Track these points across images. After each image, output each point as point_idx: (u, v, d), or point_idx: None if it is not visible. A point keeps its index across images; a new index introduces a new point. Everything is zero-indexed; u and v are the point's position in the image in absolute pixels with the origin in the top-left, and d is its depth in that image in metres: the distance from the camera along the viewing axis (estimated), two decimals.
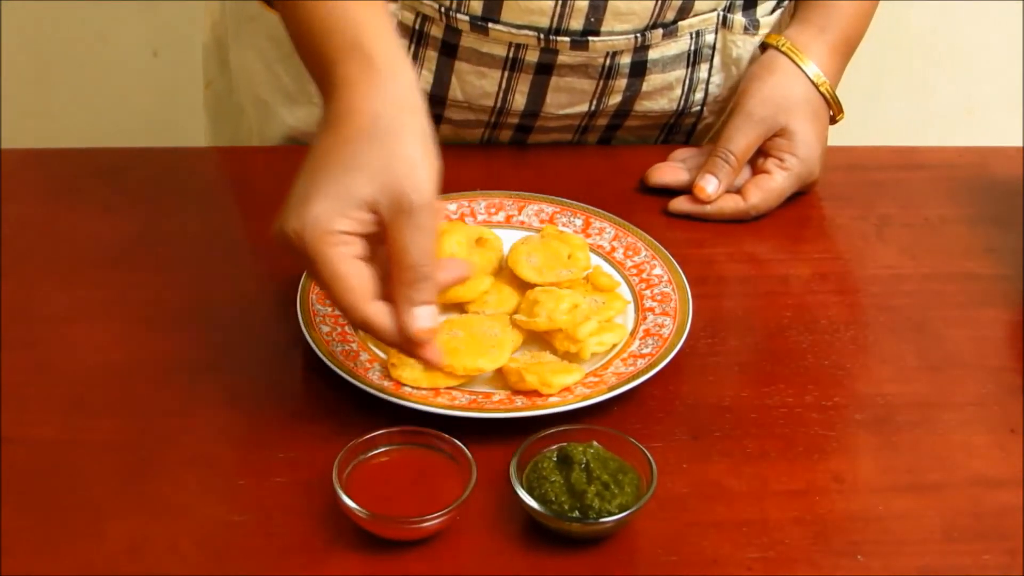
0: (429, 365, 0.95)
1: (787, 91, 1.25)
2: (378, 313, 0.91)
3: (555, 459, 0.91)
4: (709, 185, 1.23)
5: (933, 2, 2.27)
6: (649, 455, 0.91)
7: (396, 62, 0.94)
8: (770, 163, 1.24)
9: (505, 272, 1.12)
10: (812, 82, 1.24)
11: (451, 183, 1.21)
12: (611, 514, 0.88)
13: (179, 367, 1.03)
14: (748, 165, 1.25)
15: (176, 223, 1.20)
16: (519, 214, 1.19)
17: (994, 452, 0.99)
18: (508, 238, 1.15)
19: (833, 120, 1.27)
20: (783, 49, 1.26)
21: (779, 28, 1.31)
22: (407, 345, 0.93)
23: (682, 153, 1.30)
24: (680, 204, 1.24)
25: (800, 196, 1.27)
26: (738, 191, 1.24)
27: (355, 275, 0.91)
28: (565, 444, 0.92)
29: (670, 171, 1.27)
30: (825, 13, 1.27)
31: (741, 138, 1.23)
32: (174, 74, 2.14)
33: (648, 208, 1.24)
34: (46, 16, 2.24)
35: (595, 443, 0.92)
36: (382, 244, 0.92)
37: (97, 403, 1.00)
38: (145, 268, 1.13)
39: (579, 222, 1.18)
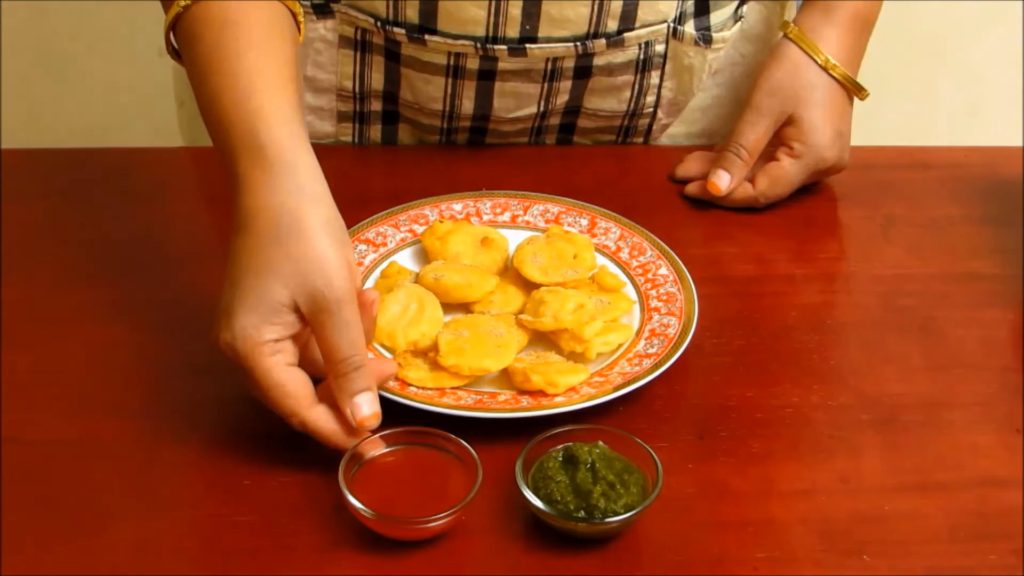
0: None
1: (794, 80, 1.24)
2: (319, 418, 0.92)
3: (561, 459, 0.91)
4: (721, 181, 1.23)
5: (940, 2, 2.27)
6: (655, 455, 0.91)
7: (292, 151, 0.94)
8: (780, 151, 1.24)
9: (510, 272, 1.12)
10: (822, 67, 1.24)
11: (456, 183, 1.22)
12: (617, 514, 0.88)
13: (183, 367, 1.03)
14: (763, 158, 1.25)
15: (179, 222, 1.20)
16: (524, 214, 1.19)
17: (1000, 452, 0.99)
18: (514, 238, 1.15)
19: (860, 98, 1.27)
20: (791, 36, 1.25)
21: (788, 11, 1.31)
22: (347, 442, 0.93)
23: (696, 155, 1.30)
24: (694, 188, 1.26)
25: (807, 196, 1.26)
26: (750, 180, 1.24)
27: (292, 382, 0.92)
28: (571, 444, 0.92)
29: (696, 163, 1.29)
30: None
31: (750, 131, 1.24)
32: (179, 74, 2.14)
33: (653, 208, 1.24)
34: (50, 15, 2.24)
35: (601, 443, 0.92)
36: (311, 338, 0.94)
37: (102, 403, 1.00)
38: (149, 268, 1.13)
39: (584, 222, 1.18)
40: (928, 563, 0.90)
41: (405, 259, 1.14)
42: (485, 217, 1.19)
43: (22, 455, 0.95)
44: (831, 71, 1.24)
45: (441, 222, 1.15)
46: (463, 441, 0.92)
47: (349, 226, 1.12)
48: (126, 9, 2.23)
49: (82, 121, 2.32)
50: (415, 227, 1.16)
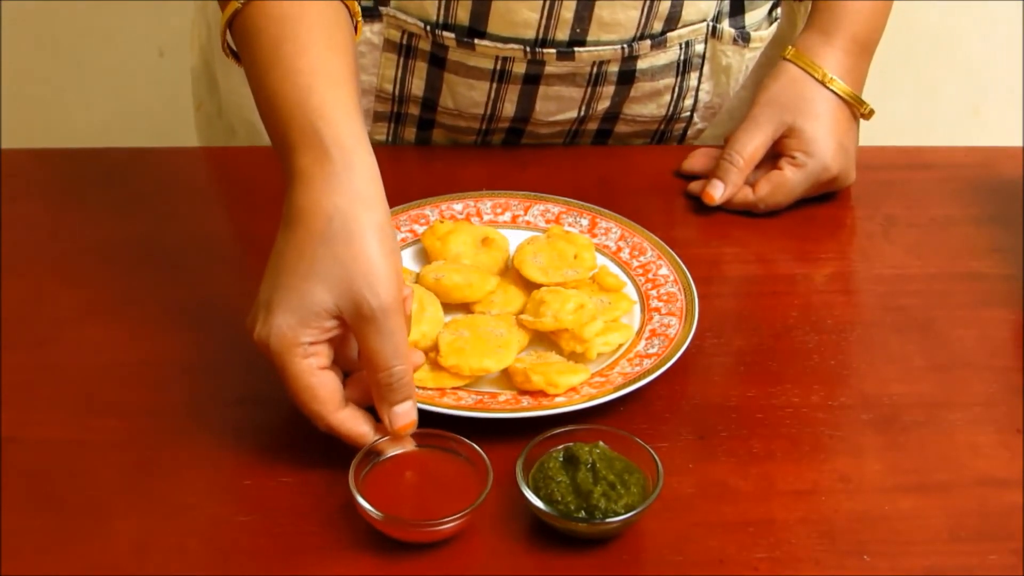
0: None
1: (791, 92, 1.25)
2: (345, 421, 0.92)
3: (561, 459, 0.91)
4: (716, 191, 1.24)
5: (940, 2, 2.27)
6: (655, 455, 0.91)
7: (353, 150, 0.93)
8: (783, 161, 1.24)
9: (511, 272, 1.12)
10: (820, 81, 1.24)
11: (458, 184, 1.22)
12: (617, 514, 0.88)
13: (184, 367, 1.03)
14: (766, 167, 1.25)
15: (180, 223, 1.20)
16: (525, 214, 1.19)
17: (1000, 452, 0.99)
18: (514, 238, 1.15)
19: (864, 116, 1.27)
20: (789, 57, 1.26)
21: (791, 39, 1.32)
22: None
23: (702, 151, 1.30)
24: (696, 186, 1.26)
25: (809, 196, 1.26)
26: (752, 186, 1.24)
27: (322, 386, 0.91)
28: (571, 444, 0.92)
29: (702, 159, 1.29)
30: (828, 17, 1.27)
31: (747, 140, 1.24)
32: (180, 74, 2.14)
33: (654, 208, 1.24)
34: (51, 16, 2.24)
35: (601, 443, 0.92)
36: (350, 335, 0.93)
37: (103, 403, 1.00)
38: (150, 268, 1.13)
39: (585, 222, 1.18)
40: (928, 563, 0.90)
41: (406, 259, 1.14)
42: (485, 217, 1.19)
43: (22, 455, 0.95)
44: (830, 85, 1.24)
45: (441, 222, 1.15)
46: (473, 444, 0.92)
47: None
48: (126, 9, 2.23)
49: (82, 121, 2.32)
50: (416, 227, 1.17)
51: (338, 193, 0.91)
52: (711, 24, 1.26)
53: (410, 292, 0.96)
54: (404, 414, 0.92)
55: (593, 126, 1.32)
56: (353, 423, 0.93)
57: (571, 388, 0.99)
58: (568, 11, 1.18)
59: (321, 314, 0.90)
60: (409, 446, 0.93)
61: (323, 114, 0.93)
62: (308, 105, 0.93)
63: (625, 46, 1.22)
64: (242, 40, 0.99)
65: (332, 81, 0.95)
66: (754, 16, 1.29)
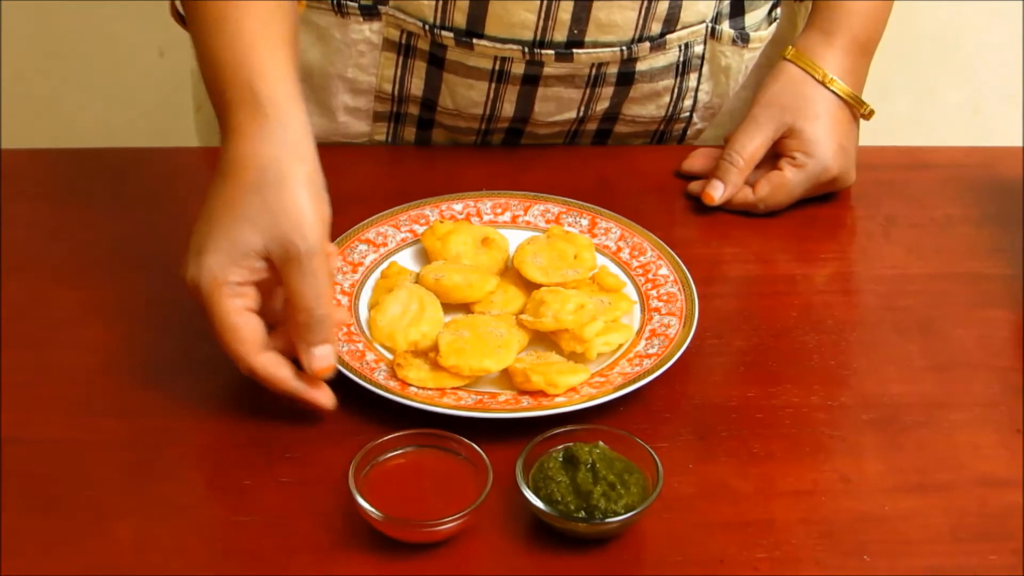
0: (317, 407, 0.97)
1: (792, 93, 1.25)
2: (267, 364, 0.96)
3: (561, 459, 0.91)
4: (715, 191, 1.23)
5: (941, 2, 2.27)
6: (655, 455, 0.91)
7: (287, 108, 0.97)
8: (783, 162, 1.24)
9: (511, 272, 1.12)
10: (820, 82, 1.24)
11: (458, 184, 1.22)
12: (617, 514, 0.88)
13: (184, 367, 1.03)
14: (766, 168, 1.25)
15: (180, 223, 1.20)
16: (525, 214, 1.19)
17: (1000, 452, 0.99)
18: (514, 238, 1.15)
19: (864, 117, 1.27)
20: (789, 57, 1.26)
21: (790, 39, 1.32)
22: (295, 394, 0.96)
23: (702, 151, 1.30)
24: (696, 187, 1.26)
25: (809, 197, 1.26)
26: (752, 186, 1.24)
27: (245, 327, 0.95)
28: (571, 444, 0.92)
29: (702, 159, 1.29)
30: (829, 17, 1.27)
31: (747, 141, 1.24)
32: (180, 74, 2.14)
33: (654, 208, 1.24)
34: (51, 16, 2.24)
35: (601, 443, 0.92)
36: (276, 287, 0.97)
37: (102, 403, 1.00)
38: (149, 268, 1.13)
39: (585, 222, 1.18)
40: (929, 563, 0.90)
41: (405, 259, 1.14)
42: (485, 217, 1.19)
43: (22, 455, 0.95)
44: (830, 85, 1.24)
45: (441, 222, 1.15)
46: (473, 444, 0.92)
47: (349, 227, 1.13)
48: (126, 9, 2.23)
49: (82, 121, 2.32)
50: (415, 227, 1.17)
51: (271, 144, 0.96)
52: (710, 25, 1.26)
53: (335, 250, 1.01)
54: (323, 357, 0.96)
55: (592, 126, 1.32)
56: (274, 368, 0.96)
57: (571, 388, 0.99)
58: (565, 12, 1.18)
59: (250, 254, 0.94)
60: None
61: (260, 73, 0.98)
62: (245, 65, 0.98)
63: (624, 48, 1.22)
64: (188, 5, 1.04)
65: (270, 45, 0.99)
66: (754, 17, 1.29)
